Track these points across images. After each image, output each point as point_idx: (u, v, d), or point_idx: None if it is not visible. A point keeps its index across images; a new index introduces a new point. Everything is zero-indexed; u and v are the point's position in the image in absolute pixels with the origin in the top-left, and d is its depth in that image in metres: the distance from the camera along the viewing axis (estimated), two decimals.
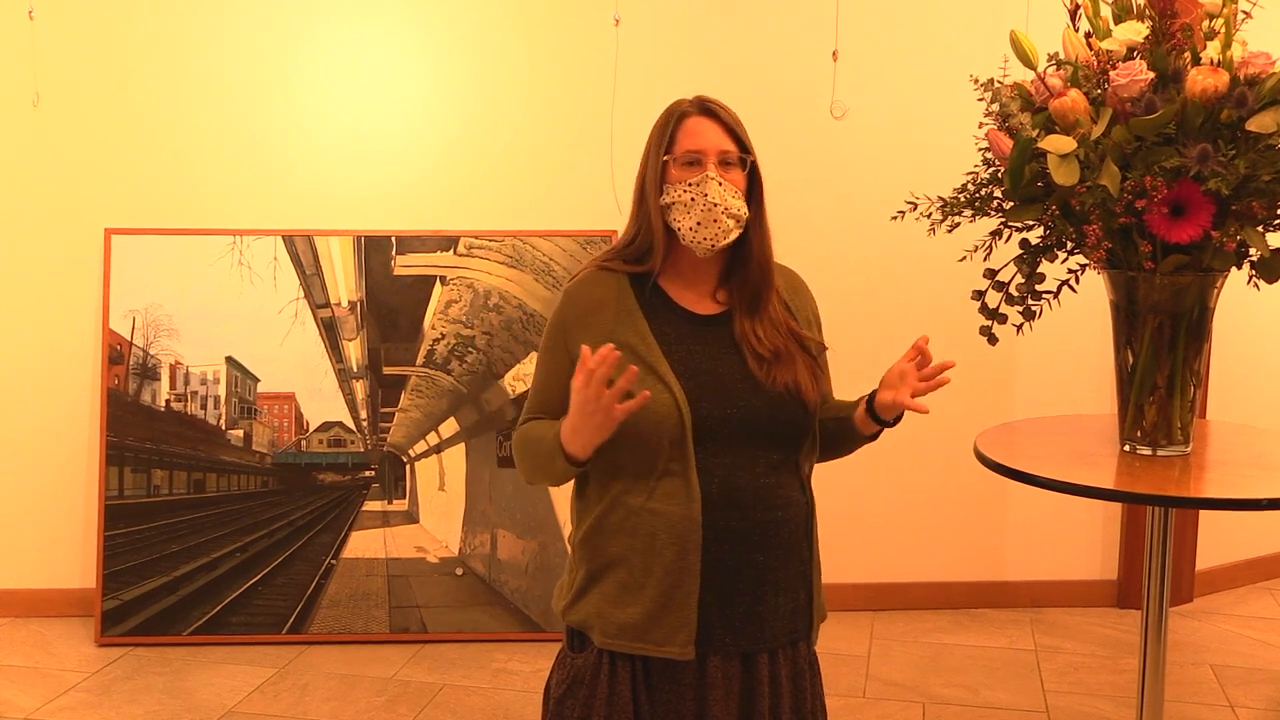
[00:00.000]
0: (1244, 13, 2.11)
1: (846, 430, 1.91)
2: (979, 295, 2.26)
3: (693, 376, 1.78)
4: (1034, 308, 2.23)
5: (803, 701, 1.88)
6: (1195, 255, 2.07)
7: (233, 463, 3.76)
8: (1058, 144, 2.01)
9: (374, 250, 3.76)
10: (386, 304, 3.77)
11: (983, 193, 2.22)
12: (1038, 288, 2.22)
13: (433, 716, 3.20)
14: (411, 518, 3.80)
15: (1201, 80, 1.95)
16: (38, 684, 3.37)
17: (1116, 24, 2.11)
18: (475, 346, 3.76)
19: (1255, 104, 1.94)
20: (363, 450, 3.81)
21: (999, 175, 2.17)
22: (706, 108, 1.84)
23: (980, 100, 2.21)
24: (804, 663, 1.89)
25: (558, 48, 3.78)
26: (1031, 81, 2.16)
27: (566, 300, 1.88)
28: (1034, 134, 2.05)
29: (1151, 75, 2.00)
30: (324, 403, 3.77)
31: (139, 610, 3.65)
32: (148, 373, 3.73)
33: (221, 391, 3.76)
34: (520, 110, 3.80)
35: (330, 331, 3.77)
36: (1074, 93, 2.03)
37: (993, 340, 2.28)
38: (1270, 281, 2.12)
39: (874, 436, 1.91)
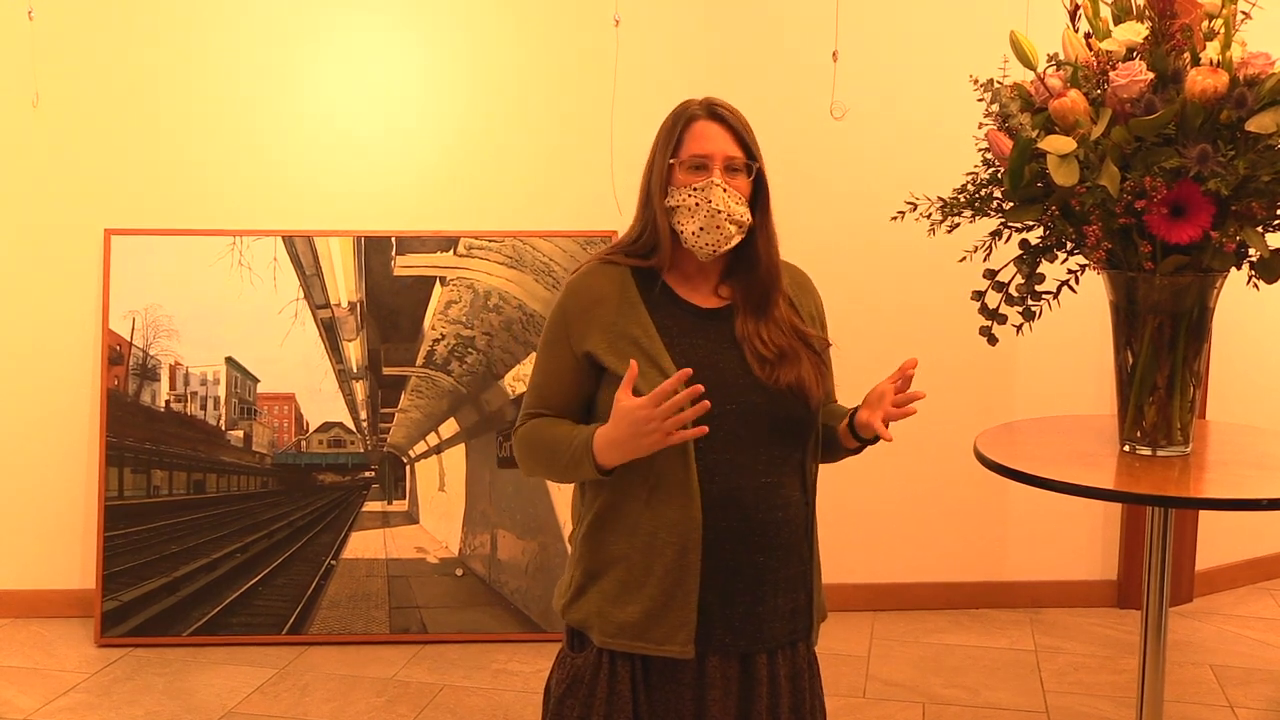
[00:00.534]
0: (1243, 13, 2.11)
1: (832, 440, 1.91)
2: (979, 295, 2.26)
3: (693, 370, 1.78)
4: (1034, 308, 2.23)
5: (801, 702, 1.88)
6: (1195, 255, 2.07)
7: (232, 463, 3.76)
8: (1057, 144, 2.01)
9: (374, 251, 3.76)
10: (386, 304, 3.77)
11: (982, 193, 2.21)
12: (1037, 288, 2.21)
13: (433, 717, 3.20)
14: (411, 518, 3.80)
15: (1201, 81, 1.95)
16: (38, 685, 3.37)
17: (1116, 24, 2.11)
18: (475, 347, 3.76)
19: (1255, 104, 1.94)
20: (363, 451, 3.81)
21: (999, 176, 2.17)
22: (715, 112, 1.83)
23: (980, 101, 2.21)
24: (803, 663, 1.89)
25: (558, 48, 3.78)
26: (1031, 82, 2.16)
27: (568, 293, 1.86)
28: (1034, 134, 2.05)
29: (1151, 76, 2.00)
30: (324, 403, 3.77)
31: (139, 611, 3.65)
32: (147, 373, 3.73)
33: (221, 392, 3.76)
34: (520, 111, 3.80)
35: (330, 332, 3.77)
36: (1074, 93, 2.03)
37: (992, 340, 2.28)
38: (1270, 282, 2.12)
39: (857, 450, 1.91)
